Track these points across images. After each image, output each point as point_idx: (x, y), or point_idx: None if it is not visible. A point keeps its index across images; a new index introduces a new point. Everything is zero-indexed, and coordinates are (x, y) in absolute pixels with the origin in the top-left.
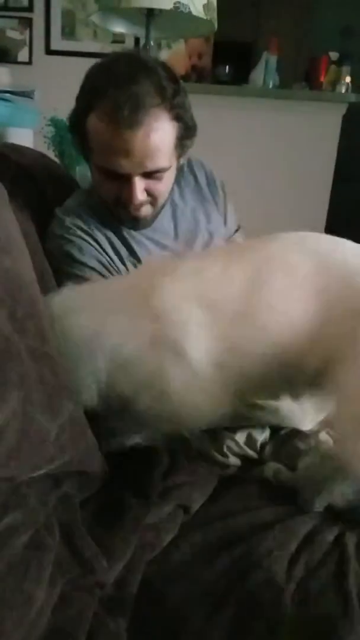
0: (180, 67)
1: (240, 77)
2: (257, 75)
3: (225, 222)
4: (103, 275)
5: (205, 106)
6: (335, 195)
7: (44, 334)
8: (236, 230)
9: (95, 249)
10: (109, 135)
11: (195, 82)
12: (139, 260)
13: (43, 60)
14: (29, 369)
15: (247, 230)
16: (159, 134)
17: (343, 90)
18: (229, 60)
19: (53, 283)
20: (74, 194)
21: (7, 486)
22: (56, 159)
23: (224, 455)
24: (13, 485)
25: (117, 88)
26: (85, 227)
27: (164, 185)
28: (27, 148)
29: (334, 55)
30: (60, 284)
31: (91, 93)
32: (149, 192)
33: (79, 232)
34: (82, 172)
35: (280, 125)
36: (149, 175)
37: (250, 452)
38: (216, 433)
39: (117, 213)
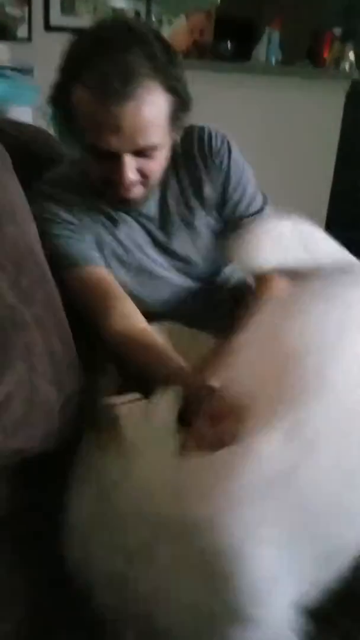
0: (182, 43)
1: (242, 54)
2: (260, 51)
3: (225, 195)
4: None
5: (206, 83)
6: (338, 172)
7: (52, 302)
8: (256, 213)
9: (67, 215)
10: (97, 109)
11: (197, 59)
12: (118, 240)
13: (42, 36)
14: (35, 339)
15: None
16: (152, 107)
17: (347, 67)
18: (230, 36)
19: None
20: (59, 166)
21: (15, 460)
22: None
23: None
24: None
25: (105, 57)
26: (61, 198)
27: (157, 164)
28: (26, 123)
29: (337, 32)
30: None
31: (76, 63)
32: (140, 172)
33: (55, 200)
34: None
35: (283, 102)
36: (140, 153)
37: None
38: None
39: (106, 193)
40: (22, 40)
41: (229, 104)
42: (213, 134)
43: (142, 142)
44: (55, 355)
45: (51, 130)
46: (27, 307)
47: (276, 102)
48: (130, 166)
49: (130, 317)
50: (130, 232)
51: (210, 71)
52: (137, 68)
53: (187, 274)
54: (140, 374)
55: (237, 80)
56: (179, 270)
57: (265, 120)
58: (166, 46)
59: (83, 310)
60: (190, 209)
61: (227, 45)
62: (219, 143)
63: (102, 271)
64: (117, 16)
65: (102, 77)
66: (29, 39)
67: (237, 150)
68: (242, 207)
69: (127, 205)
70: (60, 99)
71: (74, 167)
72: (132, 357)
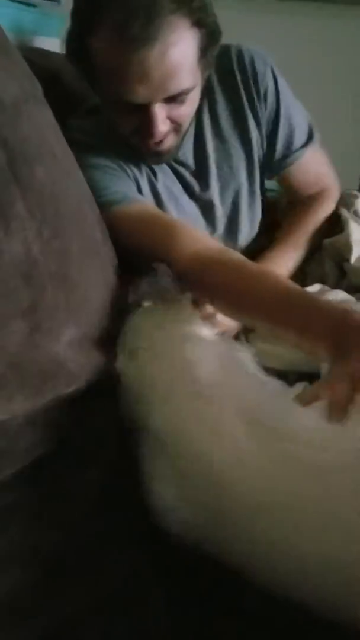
0: None
1: None
2: None
3: (274, 135)
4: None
5: (238, 10)
6: None
7: (66, 255)
8: (305, 145)
9: (107, 161)
10: (119, 57)
11: None
12: (155, 192)
13: None
14: (45, 294)
15: None
16: (179, 47)
17: None
18: None
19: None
20: (88, 110)
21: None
22: None
23: None
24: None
25: None
26: (98, 145)
27: (189, 108)
28: (54, 52)
29: None
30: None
31: (88, 8)
32: (171, 119)
33: (91, 147)
34: None
35: (323, 32)
36: (170, 99)
37: None
38: None
39: (136, 148)
40: None
41: (264, 35)
42: (255, 56)
43: (173, 88)
44: (59, 311)
45: None
46: (46, 259)
47: (316, 33)
48: (161, 116)
49: (202, 239)
50: (168, 183)
51: None
52: (158, 4)
53: (212, 226)
54: (234, 298)
55: (272, 7)
56: (207, 224)
57: (303, 53)
58: None
59: (140, 250)
60: (228, 152)
61: None
62: (261, 66)
63: (152, 206)
64: None
65: (121, 21)
66: None
67: (281, 74)
68: (294, 144)
69: (160, 159)
70: (77, 52)
71: (98, 121)
72: (217, 279)
